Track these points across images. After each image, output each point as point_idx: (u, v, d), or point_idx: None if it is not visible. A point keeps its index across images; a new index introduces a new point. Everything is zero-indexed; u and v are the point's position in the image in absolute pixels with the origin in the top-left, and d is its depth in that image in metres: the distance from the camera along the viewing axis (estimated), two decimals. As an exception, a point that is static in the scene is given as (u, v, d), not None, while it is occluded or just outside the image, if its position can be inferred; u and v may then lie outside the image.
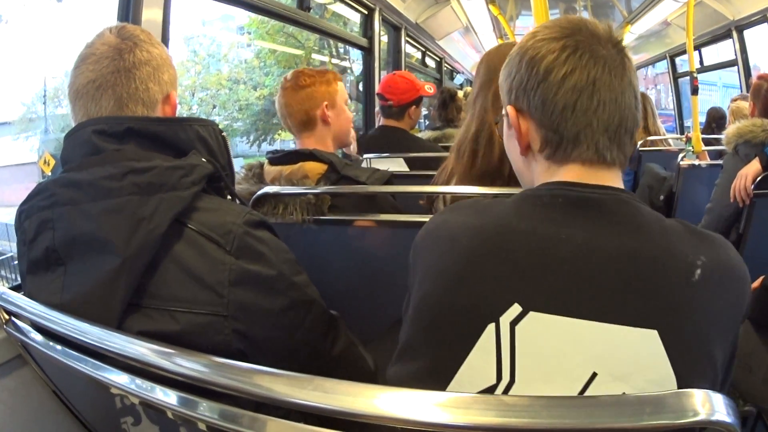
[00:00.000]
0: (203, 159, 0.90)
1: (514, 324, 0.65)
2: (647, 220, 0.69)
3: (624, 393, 0.62)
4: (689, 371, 0.63)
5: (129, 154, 0.86)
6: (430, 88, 2.62)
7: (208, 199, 0.89)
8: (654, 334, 0.63)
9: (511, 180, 1.12)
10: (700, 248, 0.67)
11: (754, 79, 2.41)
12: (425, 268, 0.74)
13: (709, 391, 0.54)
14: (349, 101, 1.68)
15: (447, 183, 1.38)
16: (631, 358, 0.63)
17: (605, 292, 0.64)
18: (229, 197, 0.99)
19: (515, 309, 0.65)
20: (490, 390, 0.65)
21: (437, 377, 0.68)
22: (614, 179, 0.74)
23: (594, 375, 0.63)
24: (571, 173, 0.74)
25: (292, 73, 1.64)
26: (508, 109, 0.78)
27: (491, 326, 0.65)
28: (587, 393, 0.63)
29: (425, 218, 0.96)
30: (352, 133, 1.80)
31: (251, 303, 0.83)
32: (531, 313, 0.65)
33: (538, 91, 0.73)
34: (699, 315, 0.65)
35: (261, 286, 0.85)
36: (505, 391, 0.64)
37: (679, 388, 0.62)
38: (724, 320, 0.67)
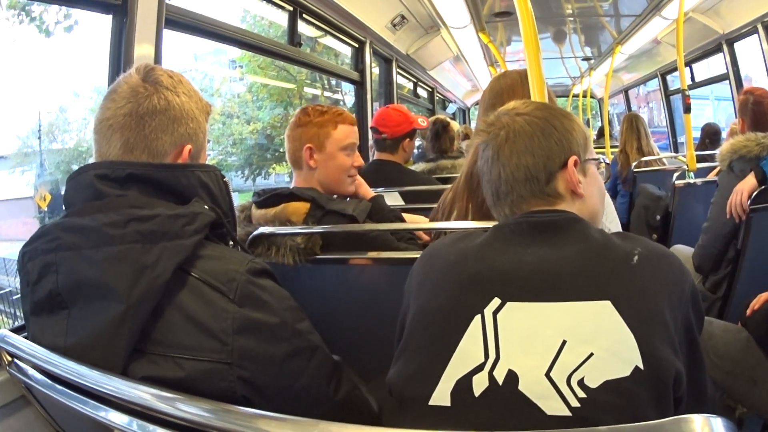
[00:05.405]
0: (205, 206, 0.90)
1: (495, 313, 0.80)
2: (592, 231, 0.88)
3: (591, 354, 0.75)
4: (645, 332, 0.77)
5: (132, 201, 0.87)
6: (423, 121, 2.61)
7: (211, 246, 0.90)
8: (608, 304, 0.78)
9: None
10: (635, 244, 0.85)
11: (740, 95, 2.41)
12: (419, 284, 0.91)
13: (709, 416, 0.55)
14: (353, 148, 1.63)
15: (451, 210, 1.36)
16: (593, 325, 0.77)
17: (565, 280, 0.81)
18: (231, 243, 0.99)
19: (495, 302, 0.81)
20: (480, 368, 0.78)
21: (437, 364, 0.81)
22: (562, 204, 0.93)
23: (564, 342, 0.76)
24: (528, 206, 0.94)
25: (299, 109, 1.64)
26: None
27: (477, 317, 0.81)
28: (560, 357, 0.76)
29: (419, 254, 0.98)
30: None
31: (255, 351, 0.84)
32: (508, 303, 0.81)
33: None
34: (643, 288, 0.80)
35: (264, 333, 0.85)
36: (492, 367, 0.77)
37: (639, 346, 0.75)
38: (668, 294, 0.81)
